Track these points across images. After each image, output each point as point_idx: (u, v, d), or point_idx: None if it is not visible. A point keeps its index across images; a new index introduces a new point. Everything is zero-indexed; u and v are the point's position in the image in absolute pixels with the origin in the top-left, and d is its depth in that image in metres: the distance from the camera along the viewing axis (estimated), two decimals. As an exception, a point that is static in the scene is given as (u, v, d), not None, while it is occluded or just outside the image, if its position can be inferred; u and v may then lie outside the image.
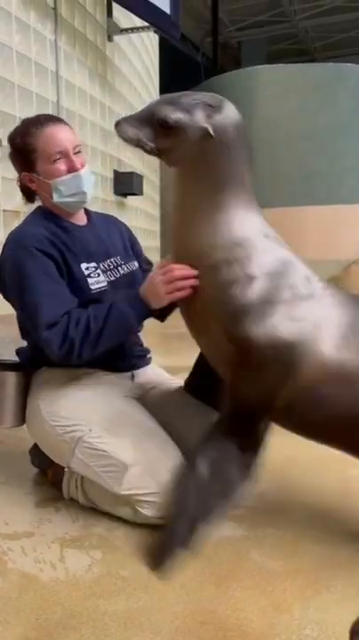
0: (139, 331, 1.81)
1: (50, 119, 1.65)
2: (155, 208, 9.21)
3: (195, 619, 1.16)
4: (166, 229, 10.25)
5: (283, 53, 17.31)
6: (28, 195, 1.73)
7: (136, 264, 1.83)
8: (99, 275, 1.67)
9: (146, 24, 5.61)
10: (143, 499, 1.49)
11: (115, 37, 5.86)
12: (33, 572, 1.33)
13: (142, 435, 1.56)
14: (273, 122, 9.97)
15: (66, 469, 1.63)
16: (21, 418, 1.72)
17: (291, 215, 9.24)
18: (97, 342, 1.51)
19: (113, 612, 1.18)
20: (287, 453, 2.08)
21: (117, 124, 1.37)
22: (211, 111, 1.31)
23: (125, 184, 6.04)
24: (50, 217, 1.70)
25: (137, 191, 6.27)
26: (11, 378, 1.71)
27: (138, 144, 1.35)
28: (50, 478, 1.77)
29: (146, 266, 1.90)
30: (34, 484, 1.82)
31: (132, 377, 1.79)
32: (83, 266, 1.65)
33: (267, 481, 1.82)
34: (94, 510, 1.61)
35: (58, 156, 1.60)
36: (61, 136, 1.61)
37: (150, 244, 8.70)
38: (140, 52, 7.34)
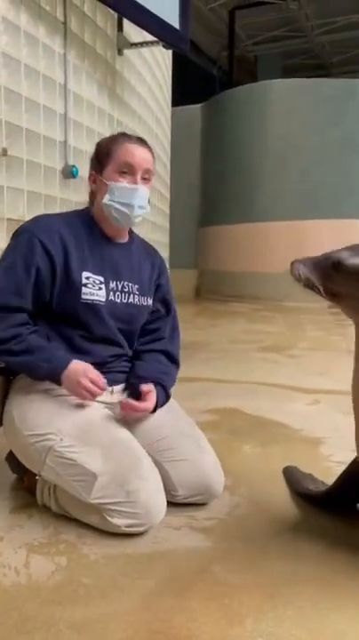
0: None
1: (140, 140, 1.74)
2: (166, 220, 9.28)
3: (149, 627, 1.18)
4: (175, 242, 10.31)
5: (299, 68, 17.40)
6: (92, 200, 1.80)
7: (149, 301, 1.84)
8: (99, 288, 1.70)
9: (155, 39, 5.67)
10: (112, 507, 1.51)
11: (126, 51, 5.94)
12: (-4, 576, 1.35)
13: (113, 444, 1.58)
14: (284, 136, 10.00)
15: (37, 477, 1.65)
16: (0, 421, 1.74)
17: (298, 228, 9.25)
18: (8, 358, 1.61)
19: (68, 619, 1.20)
20: (263, 466, 2.10)
21: (292, 263, 1.37)
22: None
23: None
24: (88, 221, 1.76)
25: (144, 202, 6.33)
26: (-10, 381, 1.74)
27: (307, 284, 1.34)
28: (25, 485, 1.79)
29: (158, 304, 1.89)
30: (11, 489, 1.85)
31: (112, 391, 1.78)
32: (85, 274, 1.68)
33: (242, 494, 1.85)
34: (66, 518, 1.63)
35: (125, 169, 1.68)
36: (138, 154, 1.69)
37: (162, 255, 8.75)
38: (151, 66, 7.42)
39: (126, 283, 1.77)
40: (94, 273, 1.70)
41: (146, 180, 1.73)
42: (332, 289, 1.33)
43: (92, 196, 1.79)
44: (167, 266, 7.96)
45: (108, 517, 1.52)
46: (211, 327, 6.64)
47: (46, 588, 1.31)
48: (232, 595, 1.30)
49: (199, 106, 12.03)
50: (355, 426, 1.46)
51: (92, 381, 1.60)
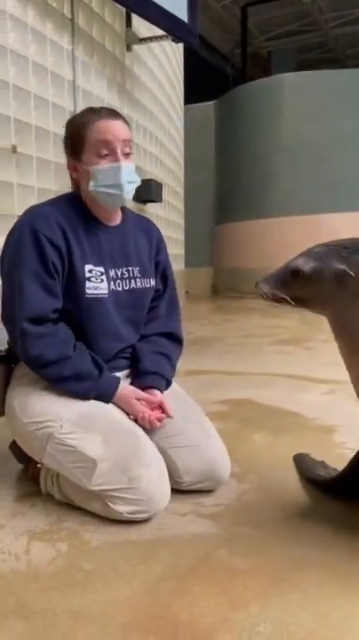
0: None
1: (109, 113, 1.62)
2: (180, 217, 9.24)
3: (148, 612, 1.14)
4: (190, 240, 10.27)
5: (314, 62, 17.21)
6: (77, 184, 1.71)
7: (152, 282, 1.78)
8: (101, 280, 1.64)
9: (164, 33, 5.64)
10: (114, 494, 1.48)
11: (135, 47, 5.91)
12: (-5, 562, 1.33)
13: (114, 430, 1.55)
14: (298, 129, 9.90)
15: (39, 465, 1.63)
16: (2, 410, 1.72)
17: (313, 222, 9.14)
18: (57, 381, 1.57)
19: (66, 604, 1.17)
20: (273, 454, 2.04)
21: (256, 285, 1.43)
22: (347, 253, 1.30)
23: (144, 191, 6.07)
24: (80, 206, 1.67)
25: (156, 198, 6.30)
26: (-8, 370, 1.71)
27: (274, 298, 1.40)
28: (30, 474, 1.77)
29: (159, 285, 1.84)
30: (16, 479, 1.83)
31: None
32: (87, 267, 1.62)
33: (251, 481, 1.80)
34: (70, 506, 1.60)
35: (104, 150, 1.58)
36: (112, 129, 1.58)
37: (175, 252, 8.73)
38: (162, 62, 7.39)
39: (126, 268, 1.71)
40: (95, 264, 1.64)
41: (127, 154, 1.62)
42: (298, 296, 1.38)
43: (75, 182, 1.70)
44: (183, 262, 7.85)
45: (111, 504, 1.49)
46: (226, 322, 6.59)
47: (45, 574, 1.28)
48: (236, 579, 1.25)
49: (212, 103, 11.98)
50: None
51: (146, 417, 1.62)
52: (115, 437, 1.53)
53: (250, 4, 13.94)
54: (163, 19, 5.31)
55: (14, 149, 4.18)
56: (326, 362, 3.91)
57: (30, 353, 1.53)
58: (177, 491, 1.64)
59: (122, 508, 1.48)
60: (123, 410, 1.64)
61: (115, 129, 1.59)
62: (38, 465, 1.68)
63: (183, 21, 5.46)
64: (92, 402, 1.61)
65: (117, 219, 1.74)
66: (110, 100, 5.70)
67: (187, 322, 6.39)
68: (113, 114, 1.64)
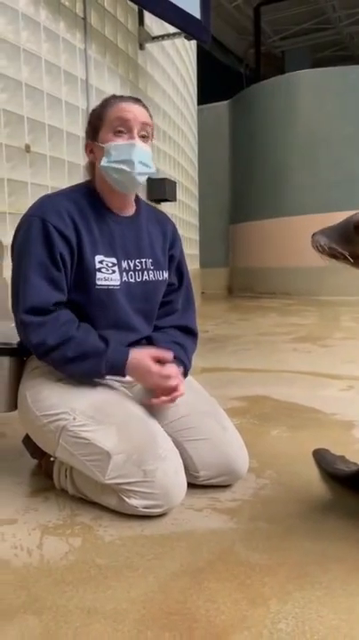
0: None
1: (131, 99, 1.61)
2: (194, 217, 9.21)
3: (163, 609, 1.10)
4: (206, 240, 10.22)
5: (329, 61, 17.08)
6: (92, 172, 1.67)
7: (165, 275, 1.74)
8: (113, 272, 1.60)
9: (177, 31, 5.61)
10: (129, 488, 1.44)
11: (147, 45, 5.90)
12: (6, 557, 1.30)
13: (129, 422, 1.51)
14: (313, 127, 9.82)
15: (52, 459, 1.60)
16: (14, 404, 1.69)
17: (330, 220, 9.02)
18: (63, 364, 1.53)
19: (79, 599, 1.13)
20: (292, 449, 1.99)
21: (313, 236, 1.33)
22: None
23: (158, 190, 6.05)
24: (93, 196, 1.63)
25: (170, 197, 6.26)
26: (4, 362, 1.68)
27: (331, 252, 1.29)
28: (43, 469, 1.74)
29: (172, 276, 1.79)
30: (30, 474, 1.80)
31: None
32: (98, 258, 1.58)
33: (269, 476, 1.75)
34: (83, 501, 1.57)
35: (121, 127, 1.55)
36: (133, 110, 1.56)
37: (190, 252, 8.69)
38: (175, 61, 7.37)
39: (139, 260, 1.67)
40: (106, 255, 1.60)
41: (145, 137, 1.59)
42: (357, 253, 1.27)
43: (91, 167, 1.66)
44: (198, 261, 7.82)
45: (125, 498, 1.45)
46: (242, 321, 6.53)
47: (58, 568, 1.25)
48: (254, 575, 1.21)
49: (226, 102, 11.94)
50: None
51: (158, 359, 1.56)
52: (129, 429, 1.49)
53: (263, 4, 13.87)
54: (175, 16, 5.29)
55: (28, 149, 4.19)
56: (344, 359, 3.85)
57: (32, 342, 1.50)
58: (193, 486, 1.60)
59: (136, 502, 1.44)
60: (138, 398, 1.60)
61: (136, 110, 1.58)
62: (51, 459, 1.66)
63: (196, 18, 5.44)
64: (106, 392, 1.58)
65: (131, 209, 1.70)
66: (123, 99, 5.73)
67: (203, 321, 6.37)
68: (135, 99, 1.62)
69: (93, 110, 1.64)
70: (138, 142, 1.57)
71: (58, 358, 1.51)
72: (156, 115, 6.59)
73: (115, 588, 1.17)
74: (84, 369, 1.53)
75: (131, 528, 1.42)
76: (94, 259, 1.58)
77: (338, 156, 9.46)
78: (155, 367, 1.55)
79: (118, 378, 1.64)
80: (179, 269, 1.81)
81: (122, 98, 1.61)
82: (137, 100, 1.62)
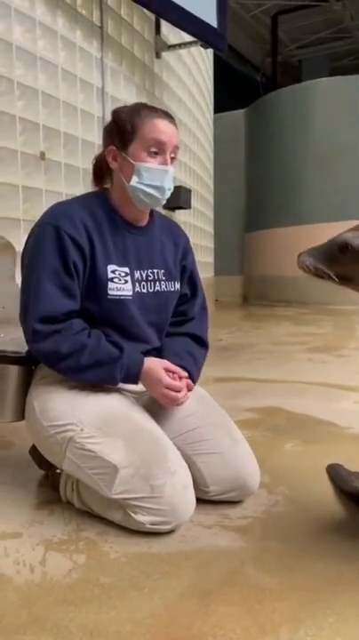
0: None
1: (166, 114, 1.57)
2: (209, 224, 9.18)
3: (168, 633, 1.05)
4: (221, 248, 10.19)
5: (346, 70, 17.01)
6: (99, 174, 1.65)
7: (177, 286, 1.71)
8: (125, 282, 1.57)
9: (193, 39, 5.61)
10: (136, 503, 1.40)
11: (164, 54, 5.90)
12: (9, 573, 1.26)
13: (137, 435, 1.47)
14: (329, 135, 9.76)
15: (57, 471, 1.56)
16: (22, 413, 1.66)
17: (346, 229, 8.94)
18: (77, 372, 1.50)
19: (81, 620, 1.09)
20: (305, 464, 1.94)
21: (299, 256, 1.34)
22: None
23: (173, 197, 6.03)
24: (107, 205, 1.60)
25: (184, 205, 6.24)
26: (13, 371, 1.65)
27: (316, 273, 1.31)
28: (50, 480, 1.70)
29: (184, 287, 1.76)
30: (37, 485, 1.77)
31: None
32: (110, 268, 1.55)
33: (281, 492, 1.70)
34: (89, 515, 1.53)
35: (155, 149, 1.52)
36: (168, 132, 1.53)
37: (205, 260, 8.66)
38: (191, 70, 7.37)
39: (151, 270, 1.64)
40: (119, 265, 1.57)
41: (173, 158, 1.58)
42: (342, 272, 1.28)
43: (106, 174, 1.63)
44: (213, 270, 7.77)
45: (132, 514, 1.40)
46: (256, 330, 6.47)
47: (60, 586, 1.21)
48: (265, 599, 1.16)
49: (242, 111, 11.93)
50: None
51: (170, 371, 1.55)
52: (137, 442, 1.45)
53: (280, 13, 13.88)
54: (191, 24, 5.29)
55: (43, 156, 4.19)
56: (360, 370, 3.78)
57: (44, 350, 1.47)
58: (202, 501, 1.55)
59: (143, 519, 1.40)
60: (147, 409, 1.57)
61: (171, 132, 1.54)
62: (57, 471, 1.62)
63: (212, 26, 5.43)
64: (115, 403, 1.54)
65: (145, 220, 1.67)
66: (139, 107, 5.72)
67: (216, 329, 6.33)
68: (170, 116, 1.58)
69: (121, 116, 1.55)
70: (170, 169, 1.55)
71: (71, 366, 1.48)
72: (172, 123, 6.62)
73: (118, 609, 1.13)
74: (99, 376, 1.50)
75: (138, 545, 1.38)
76: (107, 268, 1.54)
77: (354, 165, 9.39)
78: (167, 379, 1.52)
79: (129, 387, 1.61)
80: (191, 280, 1.78)
81: (156, 111, 1.55)
82: (169, 117, 1.58)
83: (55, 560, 1.32)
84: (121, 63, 5.26)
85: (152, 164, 1.53)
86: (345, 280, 1.29)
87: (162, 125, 1.52)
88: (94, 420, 1.47)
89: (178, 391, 1.53)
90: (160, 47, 5.75)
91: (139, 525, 1.41)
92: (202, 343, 1.76)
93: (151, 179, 1.54)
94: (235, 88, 14.05)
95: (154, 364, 1.54)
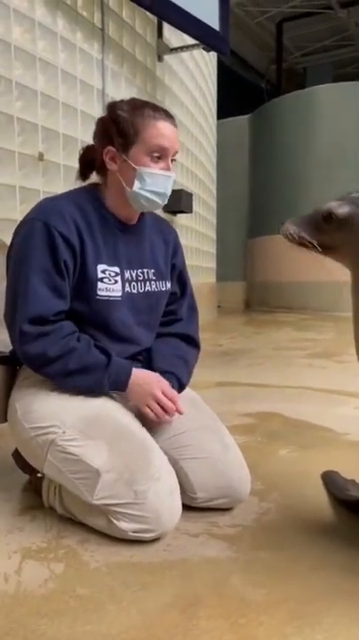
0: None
1: (167, 114, 1.51)
2: (211, 229, 9.13)
3: (145, 649, 0.98)
4: (223, 254, 10.12)
5: (350, 77, 16.97)
6: (87, 168, 1.59)
7: (168, 285, 1.66)
8: (115, 282, 1.51)
9: (195, 42, 5.59)
10: (118, 509, 1.33)
11: (166, 57, 5.87)
12: (-19, 582, 1.20)
13: (122, 438, 1.40)
14: (332, 141, 9.72)
15: (39, 475, 1.50)
16: (5, 415, 1.59)
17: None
18: (63, 377, 1.44)
19: (53, 634, 1.03)
20: (300, 471, 1.87)
21: (282, 224, 1.31)
22: None
23: (174, 201, 5.99)
24: (98, 202, 1.53)
25: (186, 209, 6.19)
26: (-5, 372, 1.60)
27: (299, 241, 1.28)
28: (33, 485, 1.64)
29: (174, 285, 1.71)
30: (21, 490, 1.70)
31: None
32: (100, 267, 1.49)
33: (274, 500, 1.63)
34: (72, 521, 1.46)
35: (158, 154, 1.47)
36: (171, 136, 1.48)
37: (206, 265, 8.61)
38: (194, 74, 7.35)
39: (141, 270, 1.58)
40: (109, 264, 1.51)
41: (173, 161, 1.52)
42: (326, 242, 1.26)
43: (88, 170, 1.58)
44: (214, 275, 7.74)
45: (114, 521, 1.34)
46: (257, 335, 6.40)
47: (35, 597, 1.14)
48: (250, 613, 1.09)
49: (246, 117, 11.92)
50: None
51: (165, 394, 1.48)
52: (121, 446, 1.38)
53: (285, 20, 13.89)
54: (194, 27, 5.26)
55: (41, 157, 4.15)
56: (361, 376, 3.70)
57: (31, 353, 1.41)
58: (190, 508, 1.49)
59: (126, 526, 1.33)
60: (134, 410, 1.51)
61: (174, 136, 1.49)
62: (39, 475, 1.56)
63: (214, 29, 5.40)
64: (100, 405, 1.47)
65: (135, 218, 1.61)
66: (141, 110, 5.69)
67: (217, 334, 6.27)
68: (171, 117, 1.52)
69: (122, 115, 1.47)
70: (173, 174, 1.51)
71: (58, 370, 1.42)
72: (174, 126, 6.59)
73: (94, 623, 1.06)
74: (86, 382, 1.44)
75: (120, 554, 1.31)
76: (97, 268, 1.49)
77: (357, 171, 9.34)
78: (159, 394, 1.47)
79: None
80: (181, 278, 1.72)
81: (158, 112, 1.49)
82: (171, 117, 1.52)
83: (32, 569, 1.25)
84: (122, 65, 5.24)
85: (155, 169, 1.48)
86: (327, 250, 1.27)
87: (165, 129, 1.47)
88: (77, 423, 1.41)
89: (166, 411, 1.48)
90: (162, 50, 5.73)
91: (122, 533, 1.34)
92: (192, 343, 1.70)
93: (154, 185, 1.49)
94: (240, 95, 14.05)
95: (145, 376, 1.49)
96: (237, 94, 13.59)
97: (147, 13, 5.39)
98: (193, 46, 5.82)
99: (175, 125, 1.52)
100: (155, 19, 5.59)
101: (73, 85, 4.50)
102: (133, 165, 1.47)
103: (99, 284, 1.48)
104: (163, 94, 6.10)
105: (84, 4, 4.64)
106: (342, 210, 1.23)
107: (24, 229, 1.46)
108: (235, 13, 12.28)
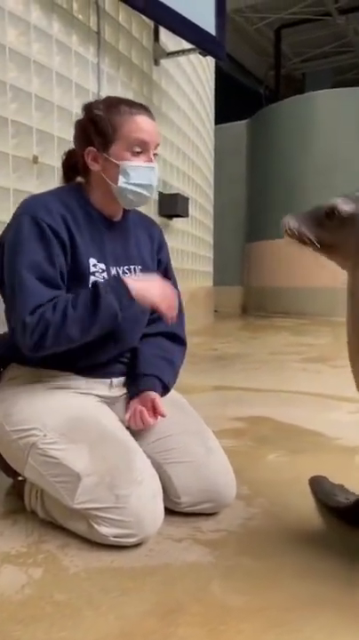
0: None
1: (145, 108, 1.51)
2: (208, 234, 9.12)
3: (120, 657, 0.96)
4: (221, 259, 10.12)
5: (349, 83, 17.00)
6: (70, 172, 1.59)
7: None
8: (103, 278, 1.49)
9: (192, 46, 5.59)
10: (99, 514, 1.31)
11: (163, 61, 5.88)
12: None
13: (104, 441, 1.38)
14: (330, 146, 9.73)
15: (20, 478, 1.47)
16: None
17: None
18: (78, 327, 1.34)
19: (27, 641, 1.00)
20: (288, 476, 1.85)
21: (284, 218, 1.28)
22: None
23: (169, 205, 5.97)
24: (82, 199, 1.52)
25: (182, 213, 6.16)
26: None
27: (299, 237, 1.25)
28: (16, 488, 1.62)
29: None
30: (5, 494, 1.68)
31: (111, 384, 1.60)
32: (92, 261, 1.47)
33: (260, 505, 1.61)
34: (53, 525, 1.44)
35: (138, 149, 1.47)
36: (150, 130, 1.49)
37: (204, 269, 8.59)
38: (191, 78, 7.35)
39: (128, 267, 1.56)
40: (98, 260, 1.50)
41: (155, 155, 1.52)
42: (326, 239, 1.23)
43: (73, 172, 1.57)
44: (211, 279, 7.66)
45: (95, 525, 1.32)
46: (252, 340, 6.37)
47: (11, 603, 1.12)
48: (230, 620, 1.06)
49: (244, 122, 11.94)
50: (353, 374, 1.32)
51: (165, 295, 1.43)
52: (103, 449, 1.36)
53: (284, 27, 13.93)
54: (190, 32, 5.25)
55: (35, 160, 4.14)
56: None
57: (35, 335, 1.33)
58: (174, 513, 1.47)
59: (107, 530, 1.31)
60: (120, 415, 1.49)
61: (153, 129, 1.50)
62: (20, 478, 1.53)
63: (210, 34, 5.40)
64: (83, 408, 1.46)
65: (120, 214, 1.60)
66: (137, 114, 5.67)
67: (213, 339, 6.25)
68: (148, 111, 1.52)
69: (97, 114, 1.47)
70: (156, 165, 1.51)
71: (69, 326, 1.33)
72: (171, 130, 6.54)
73: (70, 629, 1.04)
74: (99, 317, 1.35)
75: (100, 559, 1.29)
76: (88, 261, 1.47)
77: (355, 176, 9.33)
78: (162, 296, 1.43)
79: (101, 392, 1.54)
80: (166, 274, 1.70)
81: (135, 107, 1.49)
82: (148, 111, 1.52)
83: (10, 574, 1.23)
84: (118, 69, 5.23)
85: (138, 162, 1.47)
86: (327, 248, 1.23)
87: (143, 123, 1.47)
88: (59, 426, 1.39)
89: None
90: (159, 54, 5.73)
91: (103, 538, 1.32)
92: (178, 341, 1.68)
93: (139, 177, 1.48)
94: (239, 101, 14.07)
95: (141, 286, 1.41)
96: (236, 100, 13.62)
97: (144, 17, 5.39)
98: (189, 51, 5.82)
99: (153, 119, 1.52)
100: (151, 23, 5.59)
101: (68, 88, 4.49)
102: (115, 162, 1.46)
103: (92, 278, 1.47)
104: (160, 98, 6.09)
105: (80, 7, 4.64)
106: (347, 206, 1.19)
107: (13, 227, 1.44)
108: (234, 19, 12.32)
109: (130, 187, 1.48)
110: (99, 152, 1.48)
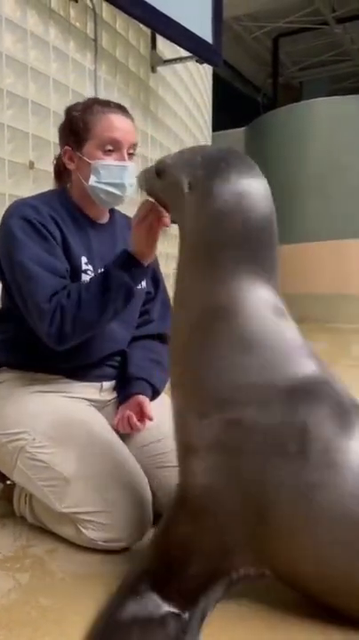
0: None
1: (120, 108, 1.52)
2: (206, 241, 9.16)
3: (103, 662, 0.95)
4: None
5: (346, 92, 17.08)
6: (60, 174, 1.61)
7: (143, 283, 1.63)
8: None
9: (189, 54, 5.63)
10: (87, 518, 1.31)
11: (159, 69, 5.92)
12: None
13: (93, 445, 1.38)
14: (327, 154, 9.77)
15: (8, 482, 1.47)
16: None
17: (343, 249, 8.91)
18: (98, 314, 1.34)
19: (10, 646, 0.99)
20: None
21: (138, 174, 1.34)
22: (200, 165, 1.14)
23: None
24: (67, 202, 1.53)
25: (178, 219, 6.20)
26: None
27: (140, 187, 1.32)
28: (6, 492, 1.61)
29: (150, 287, 1.69)
30: (-6, 499, 1.67)
31: (101, 388, 1.59)
32: (83, 259, 1.49)
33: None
34: (42, 530, 1.44)
35: (110, 147, 1.47)
36: (124, 128, 1.48)
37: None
38: (188, 86, 7.39)
39: None
40: (87, 260, 1.51)
41: (131, 154, 1.52)
42: (160, 198, 1.26)
43: (65, 174, 1.58)
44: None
45: (83, 530, 1.31)
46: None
47: (-4, 608, 1.11)
48: (220, 624, 1.05)
49: (242, 129, 11.99)
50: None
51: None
52: (92, 453, 1.36)
53: (281, 36, 14.03)
54: (187, 39, 5.29)
55: (32, 165, 4.15)
56: (350, 387, 3.67)
57: (53, 327, 1.33)
58: (164, 518, 1.45)
59: (95, 535, 1.30)
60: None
61: (127, 127, 1.49)
62: (8, 482, 1.53)
63: (207, 42, 5.44)
64: (72, 411, 1.45)
65: (105, 217, 1.62)
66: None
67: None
68: (124, 110, 1.52)
69: (73, 114, 1.51)
70: (129, 164, 1.50)
71: (86, 308, 1.33)
72: (167, 137, 6.57)
73: (53, 634, 1.03)
74: (115, 294, 1.36)
75: (88, 565, 1.28)
76: (81, 259, 1.48)
77: (352, 185, 9.38)
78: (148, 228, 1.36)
79: (92, 395, 1.54)
80: (154, 277, 1.70)
81: (108, 106, 1.50)
82: (124, 110, 1.53)
83: (-5, 579, 1.22)
84: (115, 76, 5.26)
85: (108, 160, 1.47)
86: (161, 202, 1.25)
87: (116, 122, 1.47)
88: (48, 429, 1.39)
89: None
90: (156, 61, 5.76)
91: (91, 542, 1.31)
92: (166, 340, 1.67)
93: (110, 176, 1.48)
94: (237, 108, 14.16)
95: (132, 241, 1.39)
96: (233, 107, 13.69)
97: (141, 25, 5.43)
98: (186, 58, 5.85)
99: (129, 118, 1.53)
100: (148, 30, 5.63)
101: (65, 95, 4.51)
102: (88, 160, 1.47)
103: (84, 276, 1.47)
104: (157, 105, 6.12)
105: (77, 14, 4.67)
106: (169, 160, 1.19)
107: (4, 232, 1.44)
108: (232, 28, 12.41)
109: (101, 185, 1.48)
110: (73, 151, 1.50)
